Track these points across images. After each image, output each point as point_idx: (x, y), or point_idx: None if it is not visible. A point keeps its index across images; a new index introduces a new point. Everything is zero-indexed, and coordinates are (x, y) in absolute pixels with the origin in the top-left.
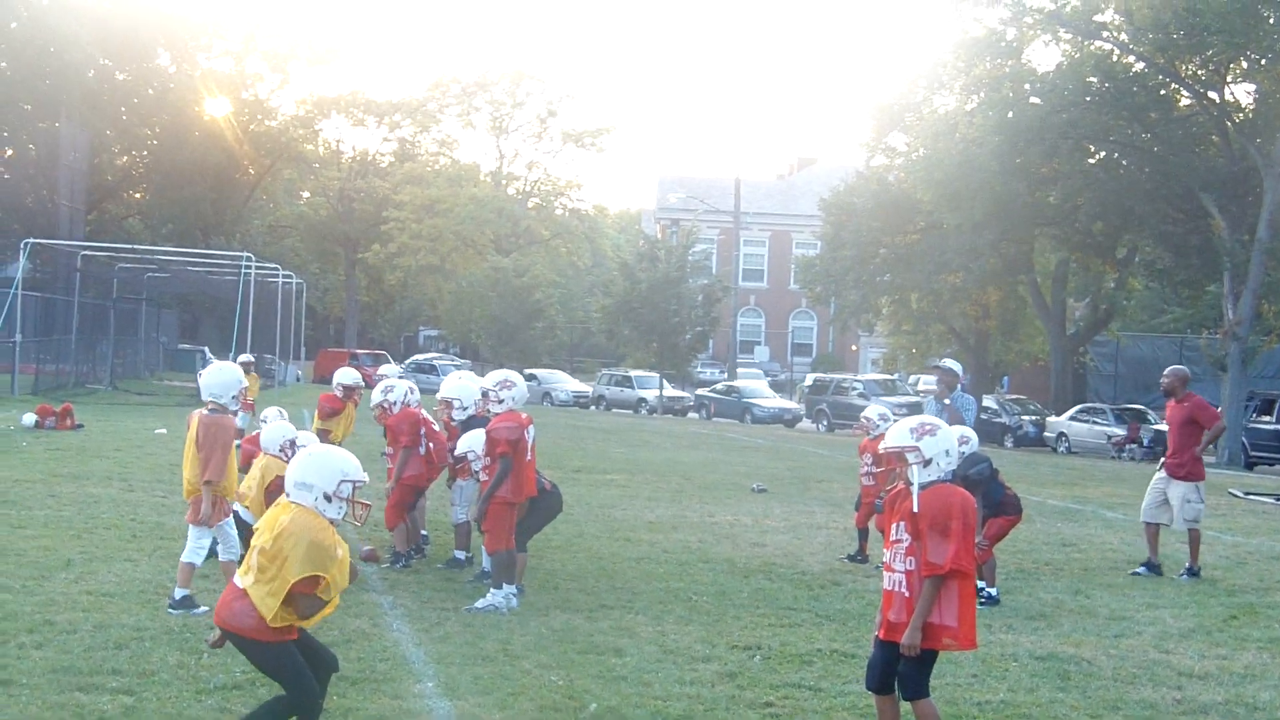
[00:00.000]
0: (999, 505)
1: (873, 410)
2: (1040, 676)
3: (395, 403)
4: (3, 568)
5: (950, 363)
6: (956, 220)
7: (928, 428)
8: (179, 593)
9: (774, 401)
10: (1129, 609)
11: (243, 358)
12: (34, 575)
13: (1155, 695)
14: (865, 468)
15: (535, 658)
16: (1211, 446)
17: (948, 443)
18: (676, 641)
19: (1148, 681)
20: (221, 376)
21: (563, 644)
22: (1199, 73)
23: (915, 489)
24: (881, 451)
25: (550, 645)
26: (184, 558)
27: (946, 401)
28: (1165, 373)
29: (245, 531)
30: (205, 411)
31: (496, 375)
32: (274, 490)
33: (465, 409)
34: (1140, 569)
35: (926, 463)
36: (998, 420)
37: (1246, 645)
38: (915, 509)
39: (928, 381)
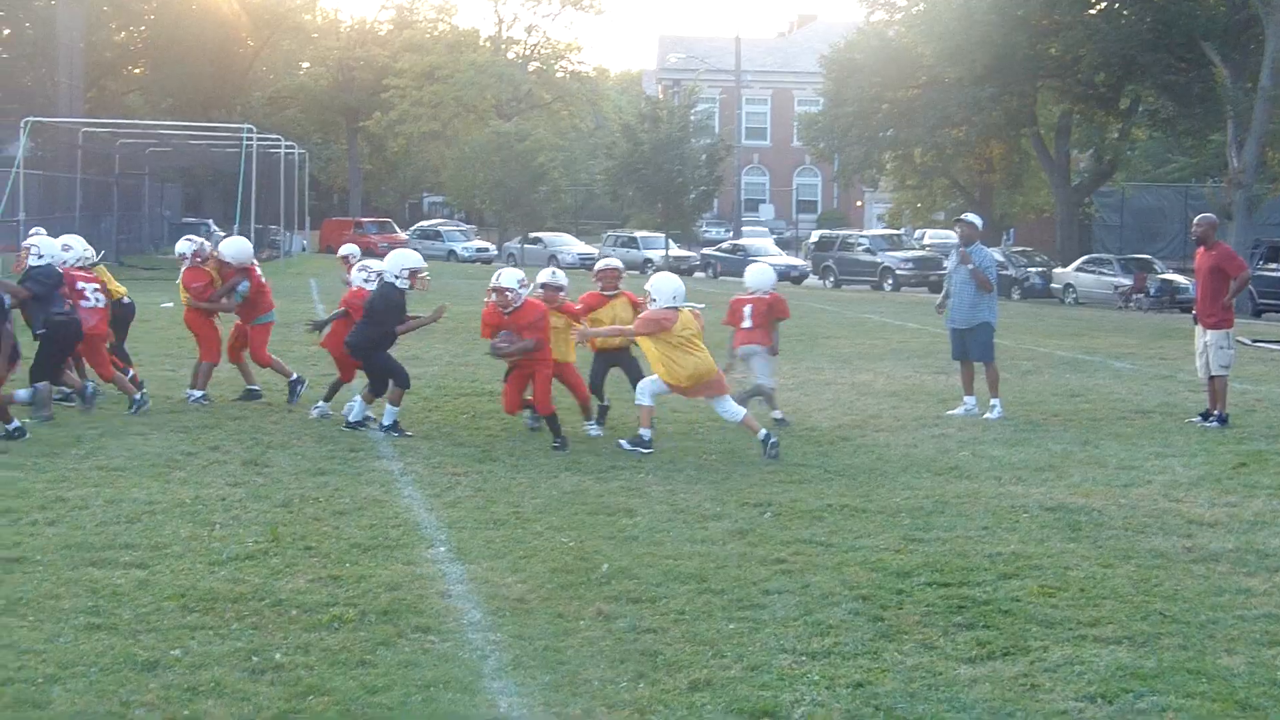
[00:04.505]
0: None
1: None
2: (1050, 527)
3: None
4: (12, 445)
5: (971, 216)
6: (958, 74)
7: None
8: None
9: (780, 259)
10: (1138, 458)
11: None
12: (44, 452)
13: (1165, 544)
14: None
15: (546, 520)
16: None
17: None
18: (686, 500)
19: (1158, 530)
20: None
21: (573, 506)
22: None
23: None
24: None
25: (561, 507)
26: None
27: (971, 267)
28: (1196, 220)
29: None
30: None
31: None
32: None
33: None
34: (1210, 421)
35: None
36: (1005, 273)
37: (1256, 492)
38: None
39: (933, 235)
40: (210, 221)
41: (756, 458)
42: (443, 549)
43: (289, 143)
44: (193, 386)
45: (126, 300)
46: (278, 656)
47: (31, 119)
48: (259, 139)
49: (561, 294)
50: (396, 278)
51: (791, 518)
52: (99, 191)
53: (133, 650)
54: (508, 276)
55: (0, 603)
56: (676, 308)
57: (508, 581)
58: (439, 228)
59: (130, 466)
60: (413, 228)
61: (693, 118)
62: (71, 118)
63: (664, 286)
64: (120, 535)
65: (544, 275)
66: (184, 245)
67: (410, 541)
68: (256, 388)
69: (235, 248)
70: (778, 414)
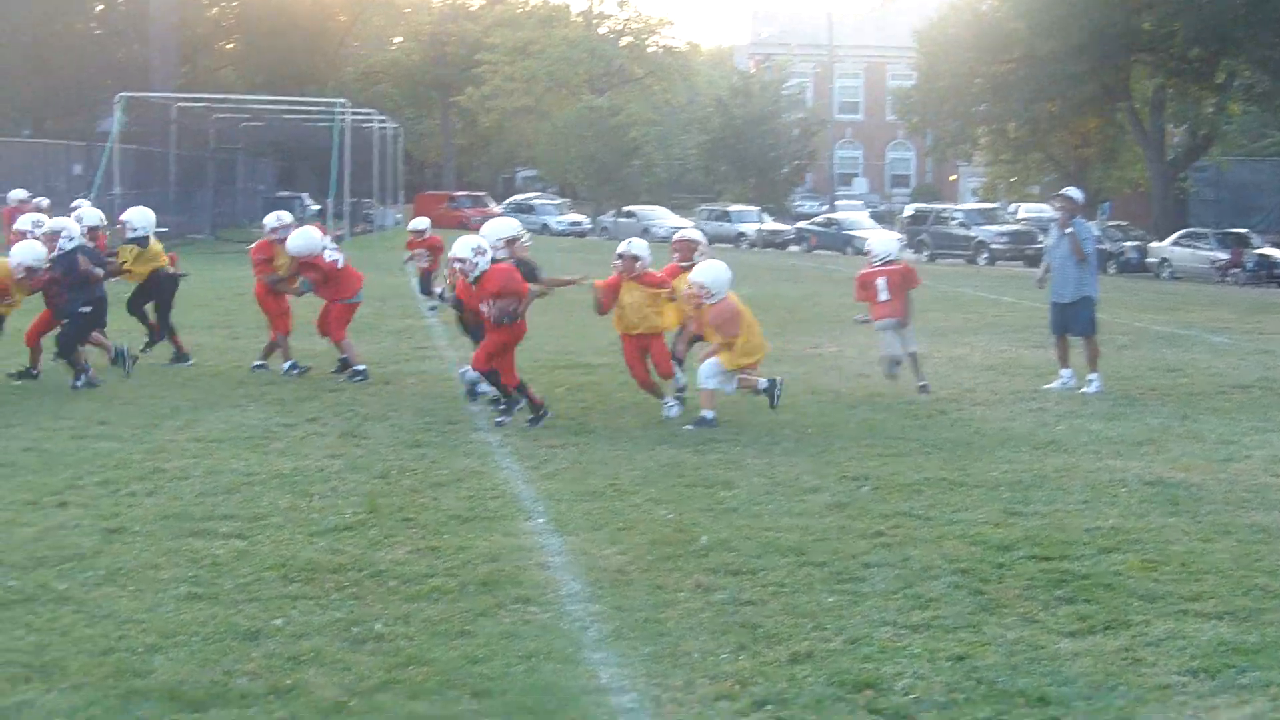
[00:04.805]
0: None
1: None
2: (1149, 502)
3: None
4: (112, 416)
5: (1071, 190)
6: (1052, 48)
7: None
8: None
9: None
10: (1236, 433)
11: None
12: (143, 424)
13: (1266, 519)
14: None
15: (644, 492)
16: None
17: None
18: (785, 473)
19: (1258, 505)
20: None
21: (671, 478)
22: None
23: None
24: None
25: (659, 479)
26: None
27: (1069, 230)
28: None
29: None
30: None
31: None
32: None
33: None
34: None
35: None
36: (1100, 247)
37: None
38: None
39: (1027, 210)
40: (305, 195)
41: (855, 431)
42: (541, 521)
43: (382, 117)
44: (264, 358)
45: (172, 271)
46: (378, 627)
47: (126, 95)
48: (352, 113)
49: (639, 264)
50: (493, 248)
51: (890, 491)
52: (193, 166)
53: (234, 620)
54: (637, 245)
55: (101, 572)
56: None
57: (607, 553)
58: (532, 202)
59: (228, 438)
60: (506, 201)
61: (785, 92)
62: (165, 93)
63: (719, 278)
64: (219, 506)
65: (621, 245)
66: (270, 219)
67: (509, 513)
68: (362, 368)
69: (300, 241)
70: (923, 381)
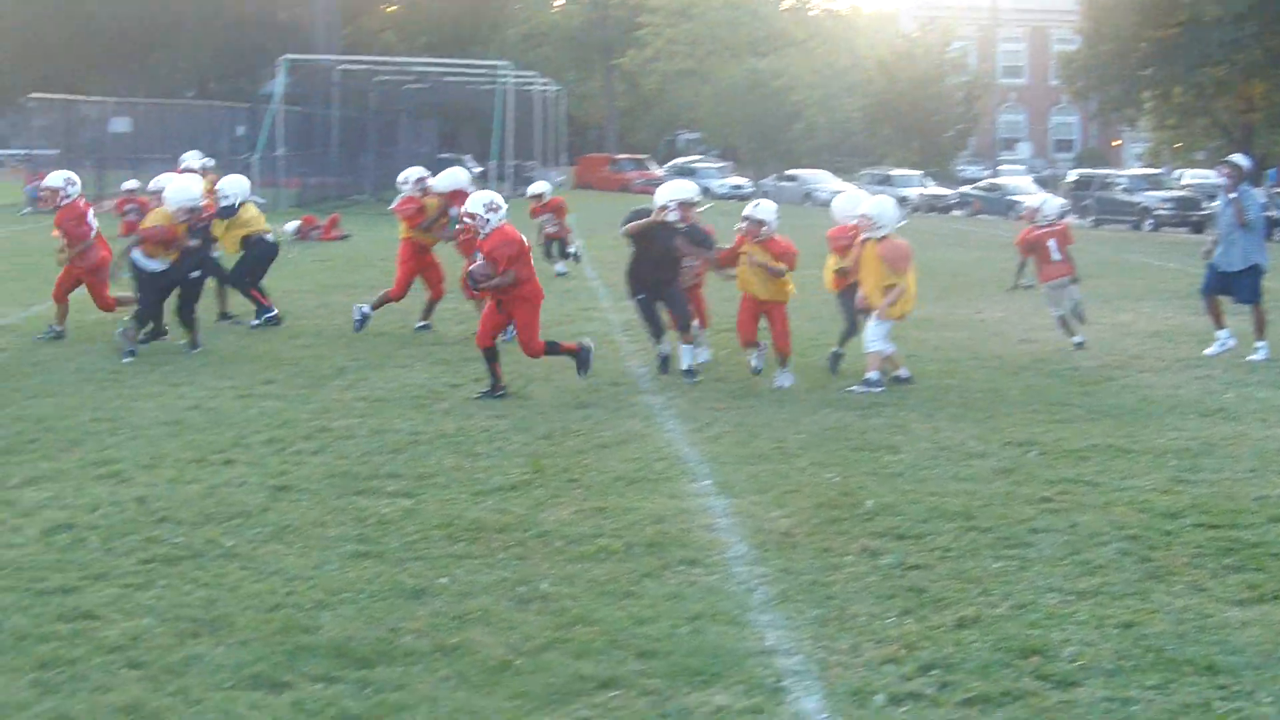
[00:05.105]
0: None
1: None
2: None
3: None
4: (277, 376)
5: (1237, 157)
6: (1218, 12)
7: None
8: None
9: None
10: None
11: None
12: (308, 383)
13: None
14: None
15: (810, 455)
16: None
17: None
18: (950, 438)
19: None
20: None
21: (836, 441)
22: None
23: None
24: None
25: (824, 443)
26: None
27: (1233, 196)
28: None
29: None
30: None
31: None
32: None
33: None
34: None
35: None
36: (1267, 214)
37: None
38: None
39: (1193, 175)
40: (468, 158)
41: (1020, 396)
42: (707, 483)
43: (544, 80)
44: (426, 318)
45: (269, 238)
46: (544, 586)
47: (289, 57)
48: (515, 76)
49: (764, 228)
50: (665, 208)
51: (1056, 457)
52: (355, 128)
53: (400, 578)
54: (763, 209)
55: (268, 529)
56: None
57: (772, 516)
58: (694, 165)
59: (393, 398)
60: (668, 164)
61: (947, 55)
62: (328, 55)
63: (886, 212)
64: (385, 465)
65: (747, 207)
66: (409, 173)
67: (674, 475)
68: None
69: (448, 179)
70: (1079, 338)
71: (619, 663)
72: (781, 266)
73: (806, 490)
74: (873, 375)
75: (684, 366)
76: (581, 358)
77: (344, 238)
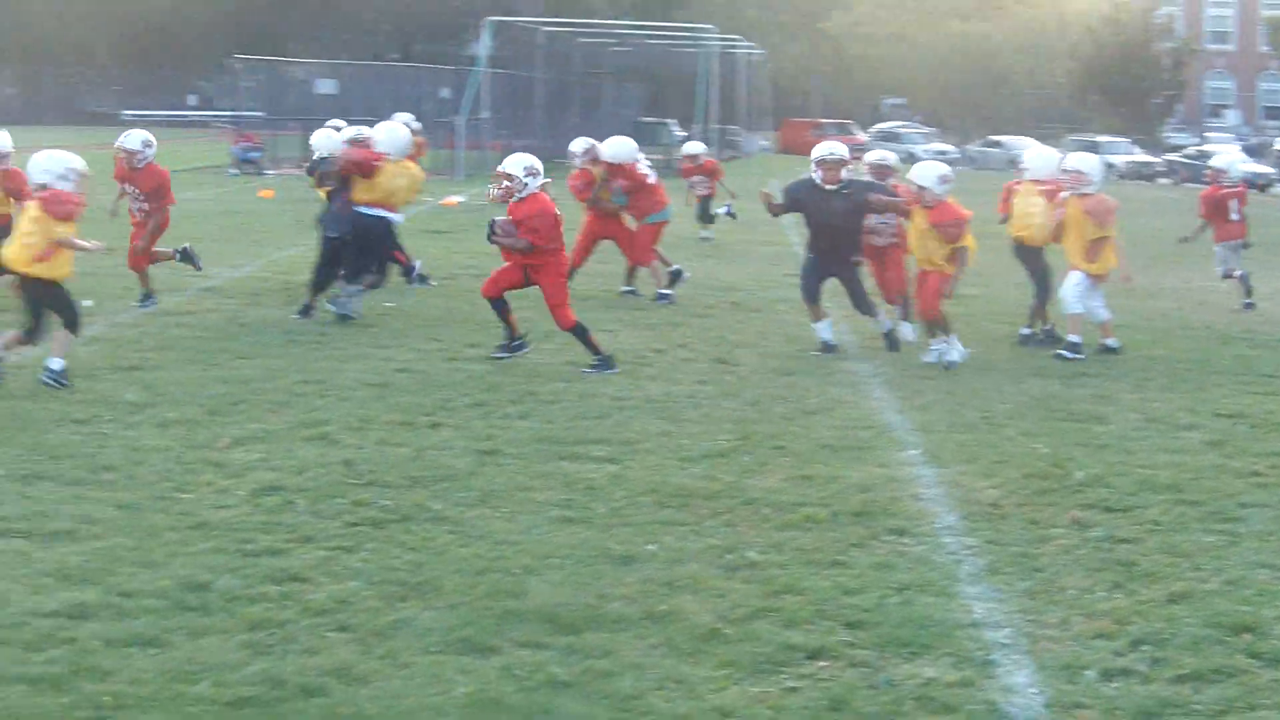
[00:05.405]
0: None
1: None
2: None
3: None
4: (484, 339)
5: None
6: None
7: None
8: None
9: (1246, 166)
10: None
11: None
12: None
13: None
14: None
15: (1017, 425)
16: None
17: None
18: (1159, 409)
19: None
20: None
21: (1043, 411)
22: None
23: None
24: None
25: (1030, 412)
26: None
27: None
28: None
29: None
30: None
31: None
32: None
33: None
34: None
35: None
36: None
37: None
38: None
39: None
40: (672, 121)
41: (1230, 366)
42: (914, 452)
43: (749, 44)
44: (629, 283)
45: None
46: (751, 554)
47: (493, 19)
48: (719, 39)
49: (926, 194)
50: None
51: (1268, 430)
52: (559, 91)
53: (607, 544)
54: (925, 175)
55: (475, 493)
56: None
57: (980, 486)
58: (898, 130)
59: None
60: (872, 129)
61: (1155, 20)
62: (532, 18)
63: (1096, 168)
64: (591, 430)
65: (871, 154)
66: (578, 143)
67: (881, 443)
68: (669, 294)
69: (614, 146)
70: (1250, 301)
71: (827, 632)
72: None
73: (1015, 460)
74: (1074, 338)
75: (884, 330)
76: (603, 361)
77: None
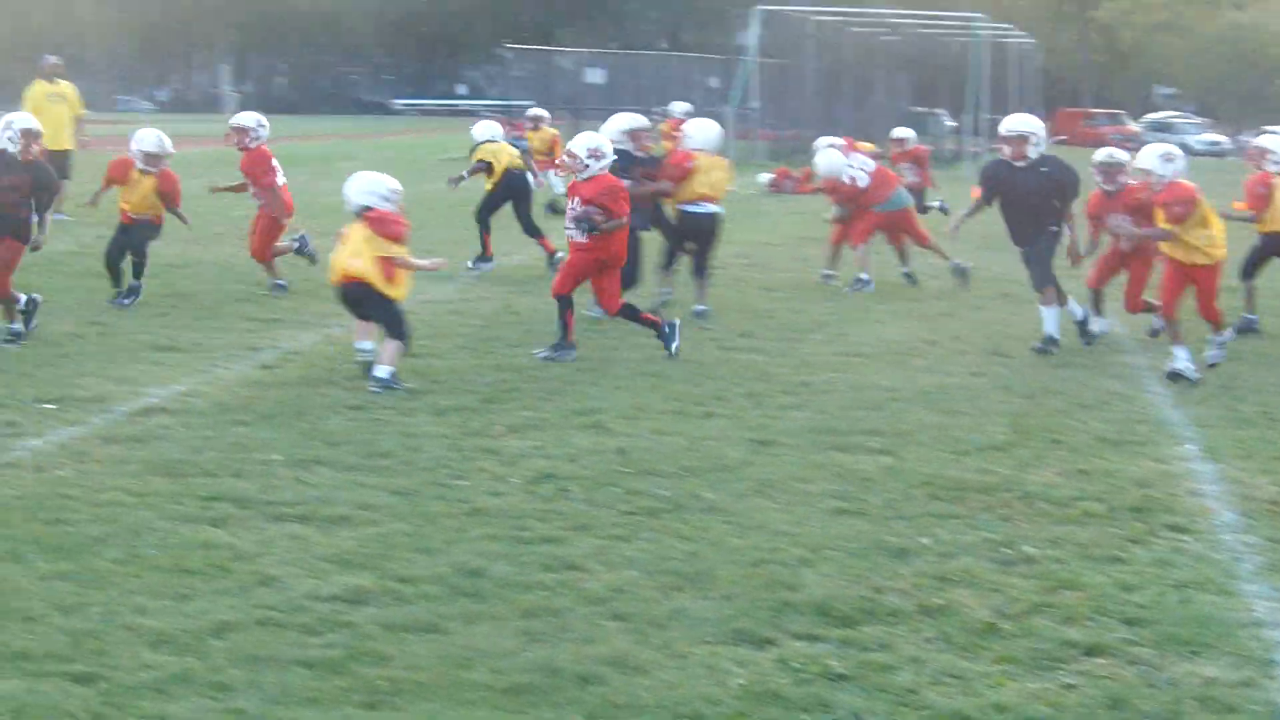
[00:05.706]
0: None
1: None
2: None
3: None
4: (756, 329)
5: None
6: None
7: None
8: None
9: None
10: None
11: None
12: (786, 337)
13: None
14: None
15: None
16: None
17: None
18: None
19: None
20: None
21: None
22: None
23: None
24: None
25: None
26: None
27: None
28: None
29: None
30: None
31: None
32: None
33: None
34: None
35: None
36: None
37: None
38: None
39: None
40: (942, 111)
41: None
42: (1192, 447)
43: (1020, 33)
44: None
45: (517, 173)
46: (1028, 549)
47: (763, 8)
48: (990, 28)
49: (1152, 179)
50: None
51: None
52: (830, 80)
53: (881, 536)
54: (1147, 158)
55: (749, 484)
56: None
57: (1259, 483)
58: (1171, 120)
59: (872, 353)
60: (1143, 119)
61: None
62: (802, 7)
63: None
64: (864, 421)
65: (1099, 153)
66: (820, 143)
67: (1157, 438)
68: (865, 277)
69: (823, 163)
70: None
71: (1106, 629)
72: (1246, 212)
73: None
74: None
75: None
76: (664, 332)
77: (817, 191)
